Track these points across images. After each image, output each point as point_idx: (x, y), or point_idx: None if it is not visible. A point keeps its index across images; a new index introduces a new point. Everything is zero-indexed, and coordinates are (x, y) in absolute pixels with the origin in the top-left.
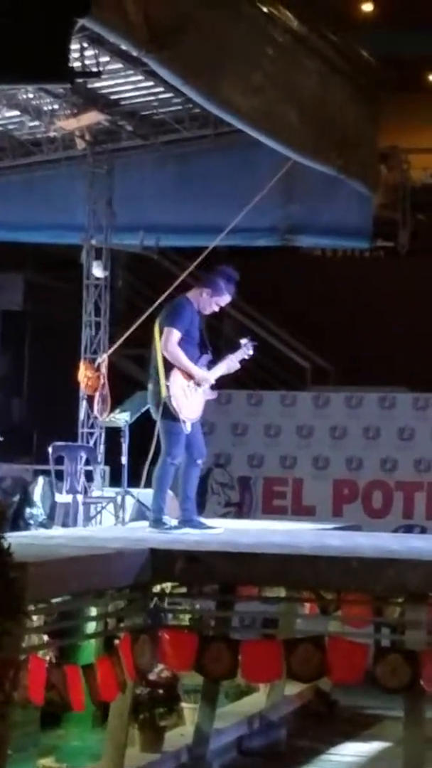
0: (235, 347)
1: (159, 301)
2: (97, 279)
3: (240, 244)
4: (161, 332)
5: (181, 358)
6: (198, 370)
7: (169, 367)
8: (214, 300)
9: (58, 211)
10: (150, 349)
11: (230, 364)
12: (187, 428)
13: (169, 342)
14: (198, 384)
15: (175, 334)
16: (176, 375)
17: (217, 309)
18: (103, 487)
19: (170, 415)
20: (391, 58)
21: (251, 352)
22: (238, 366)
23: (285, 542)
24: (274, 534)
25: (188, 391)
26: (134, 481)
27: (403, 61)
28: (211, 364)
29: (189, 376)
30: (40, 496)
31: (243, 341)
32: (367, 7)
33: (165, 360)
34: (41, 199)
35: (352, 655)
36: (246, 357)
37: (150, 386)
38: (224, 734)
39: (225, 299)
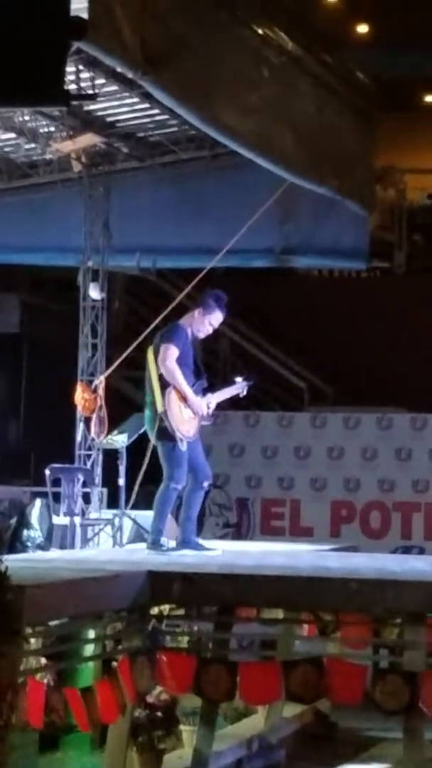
0: (229, 382)
1: (156, 322)
2: (94, 301)
3: (237, 265)
4: (156, 353)
5: (178, 375)
6: (192, 396)
7: (164, 385)
8: (207, 319)
9: (55, 233)
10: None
11: (220, 398)
12: (183, 446)
13: (167, 358)
14: (191, 409)
15: (173, 350)
16: (172, 394)
17: (210, 330)
18: (101, 509)
19: (167, 436)
20: (387, 79)
21: (243, 390)
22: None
23: (283, 564)
24: (272, 555)
25: (184, 410)
26: (132, 503)
27: (399, 81)
28: (204, 392)
29: (183, 398)
30: (38, 519)
31: (238, 380)
32: (362, 28)
33: (161, 378)
34: (38, 221)
35: (351, 676)
36: (242, 396)
37: (147, 412)
38: (223, 756)
39: (217, 317)
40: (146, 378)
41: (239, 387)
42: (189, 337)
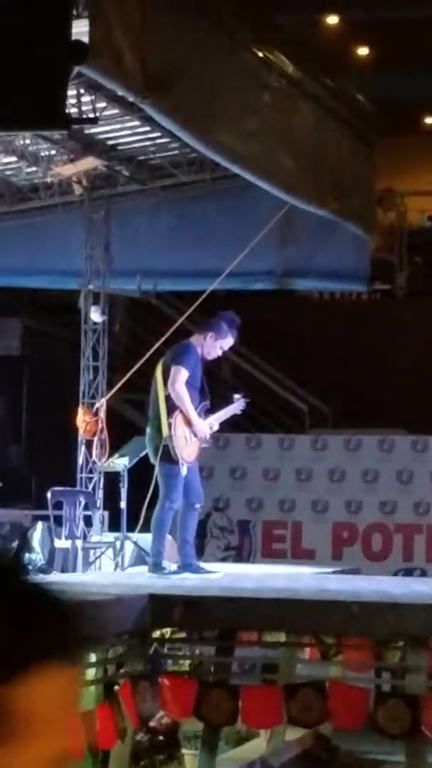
0: (228, 401)
1: (157, 345)
2: (95, 324)
3: (238, 287)
4: (165, 374)
5: (186, 400)
6: (198, 420)
7: (171, 408)
8: (218, 343)
9: (56, 256)
10: (149, 393)
11: (221, 418)
12: (184, 471)
13: (176, 381)
14: (194, 434)
15: (183, 374)
16: (178, 418)
17: (220, 353)
18: (102, 532)
19: (169, 458)
20: (387, 101)
21: (242, 407)
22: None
23: (285, 587)
24: (273, 578)
25: (188, 436)
26: (133, 526)
27: (399, 104)
28: (207, 413)
29: (188, 422)
30: (39, 542)
31: (236, 396)
32: (362, 51)
33: (168, 401)
34: (39, 244)
35: (353, 700)
36: (238, 413)
37: (149, 431)
38: None
39: (228, 342)
40: (152, 393)
41: (238, 405)
42: (199, 357)
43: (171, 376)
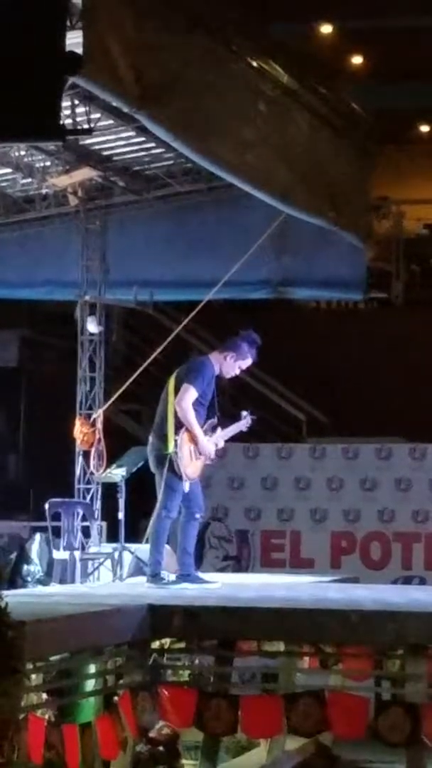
0: (236, 417)
1: (154, 355)
2: (92, 334)
3: (234, 297)
4: (177, 386)
5: (191, 419)
6: (203, 439)
7: (180, 424)
8: (238, 363)
9: (52, 267)
10: (151, 402)
11: (227, 435)
12: (186, 487)
13: (184, 399)
14: (199, 453)
15: (192, 393)
16: (184, 435)
17: (239, 372)
18: (101, 543)
19: (173, 469)
20: (382, 110)
21: (248, 424)
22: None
23: (284, 596)
24: (272, 588)
25: (194, 453)
26: (131, 537)
27: (394, 112)
28: (214, 429)
29: (194, 440)
30: (38, 553)
31: (243, 414)
32: (357, 60)
33: (177, 415)
34: (35, 255)
35: (353, 709)
36: (244, 429)
37: (152, 439)
38: None
39: (248, 362)
40: (161, 403)
41: (245, 422)
42: (214, 374)
43: (180, 392)
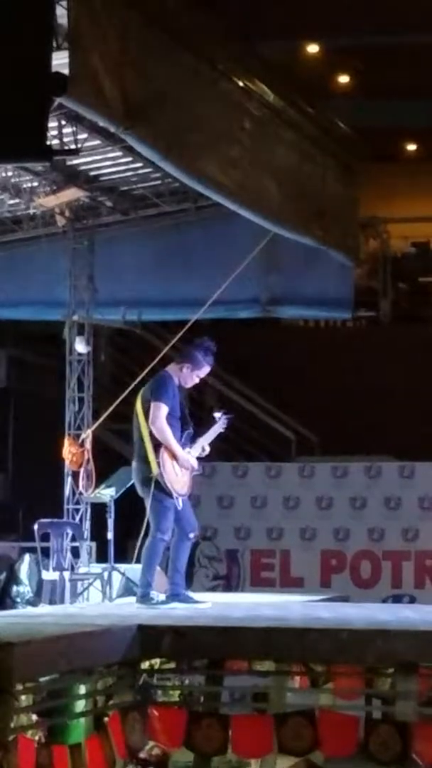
0: (211, 423)
1: (143, 374)
2: (80, 354)
3: (222, 316)
4: (145, 407)
5: (168, 435)
6: (181, 453)
7: (157, 443)
8: (195, 373)
9: (40, 287)
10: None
11: (208, 440)
12: (180, 504)
13: (158, 418)
14: (181, 466)
15: (163, 409)
16: (164, 454)
17: (197, 380)
18: (90, 564)
19: (161, 490)
20: (369, 129)
21: (225, 425)
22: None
23: (273, 615)
24: (262, 607)
25: (177, 469)
26: (121, 557)
27: (381, 131)
28: (193, 439)
29: (174, 456)
30: (27, 574)
31: (217, 415)
32: (343, 79)
33: (152, 436)
34: (23, 276)
35: (344, 727)
36: (222, 431)
37: (134, 463)
38: None
39: (205, 371)
40: (134, 428)
41: (222, 424)
42: (176, 386)
43: (151, 412)
